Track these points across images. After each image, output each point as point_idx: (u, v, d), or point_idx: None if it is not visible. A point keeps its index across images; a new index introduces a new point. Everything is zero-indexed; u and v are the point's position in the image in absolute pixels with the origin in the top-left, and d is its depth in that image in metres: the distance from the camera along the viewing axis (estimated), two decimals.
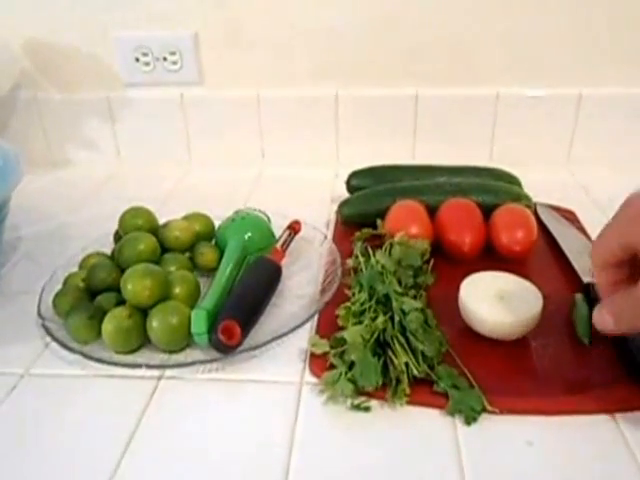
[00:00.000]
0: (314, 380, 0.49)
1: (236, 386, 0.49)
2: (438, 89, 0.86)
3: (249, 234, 0.63)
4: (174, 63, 0.87)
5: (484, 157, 0.89)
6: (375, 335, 0.48)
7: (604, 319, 0.39)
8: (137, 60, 0.87)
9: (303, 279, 0.62)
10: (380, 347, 0.48)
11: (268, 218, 0.68)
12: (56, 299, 0.54)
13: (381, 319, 0.48)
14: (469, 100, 0.86)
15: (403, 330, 0.48)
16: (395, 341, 0.47)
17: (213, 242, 0.66)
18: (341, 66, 0.86)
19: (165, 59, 0.86)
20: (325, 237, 0.67)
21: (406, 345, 0.47)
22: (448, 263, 0.61)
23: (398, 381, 0.46)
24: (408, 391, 0.45)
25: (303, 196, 0.82)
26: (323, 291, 0.58)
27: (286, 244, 0.64)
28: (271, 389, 0.48)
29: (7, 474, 0.42)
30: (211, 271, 0.61)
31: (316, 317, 0.55)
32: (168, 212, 0.67)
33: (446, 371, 0.46)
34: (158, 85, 0.89)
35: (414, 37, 0.84)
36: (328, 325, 0.53)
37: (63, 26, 0.87)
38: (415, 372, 0.46)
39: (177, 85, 0.89)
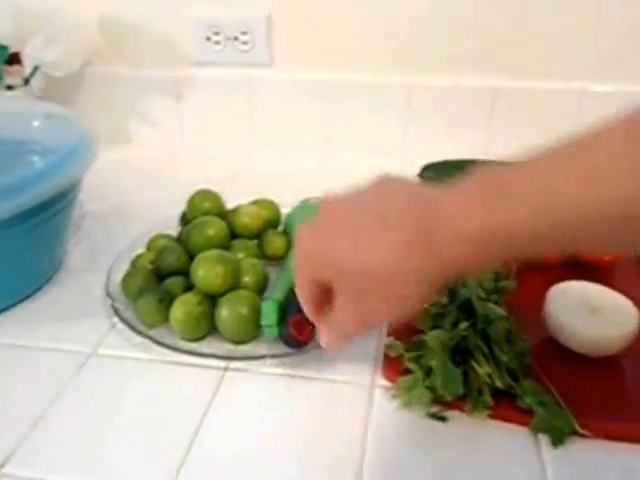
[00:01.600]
0: (386, 384, 0.46)
1: (305, 383, 0.47)
2: (516, 81, 0.81)
3: None
4: (245, 43, 0.85)
5: None
6: (455, 341, 0.45)
7: (327, 339, 0.40)
8: (208, 39, 0.85)
9: None
10: (458, 354, 0.45)
11: None
12: (125, 280, 0.54)
13: (463, 325, 0.45)
14: (550, 94, 0.81)
15: (485, 338, 0.45)
16: (478, 350, 0.44)
17: (280, 229, 0.64)
18: (417, 54, 0.83)
19: (236, 39, 0.84)
20: None
21: (489, 354, 0.44)
22: (528, 269, 0.57)
23: (479, 392, 0.43)
24: (491, 403, 0.42)
25: None
26: None
27: None
28: (341, 390, 0.46)
29: (68, 453, 0.42)
30: (278, 259, 0.60)
31: None
32: (230, 196, 0.65)
33: (532, 386, 0.43)
34: (227, 65, 0.87)
35: (494, 28, 0.79)
36: (400, 327, 0.50)
37: (137, 2, 0.86)
38: (498, 384, 0.43)
39: (246, 66, 0.87)
